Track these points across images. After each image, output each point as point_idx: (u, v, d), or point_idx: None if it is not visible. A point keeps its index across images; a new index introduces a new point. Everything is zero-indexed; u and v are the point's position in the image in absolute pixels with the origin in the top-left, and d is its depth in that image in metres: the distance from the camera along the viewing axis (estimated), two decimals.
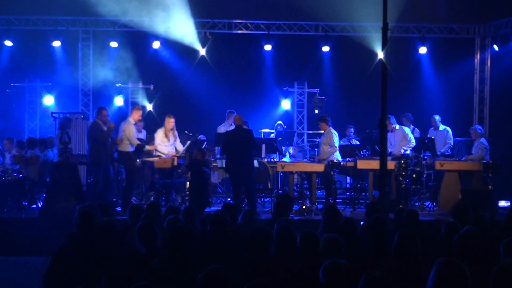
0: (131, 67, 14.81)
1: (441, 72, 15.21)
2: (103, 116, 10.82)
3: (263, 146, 11.81)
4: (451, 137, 12.25)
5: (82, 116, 13.45)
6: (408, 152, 11.31)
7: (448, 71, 15.12)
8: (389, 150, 11.45)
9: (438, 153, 11.78)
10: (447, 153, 12.11)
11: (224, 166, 11.09)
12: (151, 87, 14.69)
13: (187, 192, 11.05)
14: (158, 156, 11.39)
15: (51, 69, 14.84)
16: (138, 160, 11.07)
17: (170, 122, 11.52)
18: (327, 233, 5.19)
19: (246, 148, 10.45)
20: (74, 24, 14.51)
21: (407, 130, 11.66)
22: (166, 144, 11.49)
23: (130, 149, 11.03)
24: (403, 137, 11.48)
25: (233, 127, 11.65)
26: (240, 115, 10.84)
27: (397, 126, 11.66)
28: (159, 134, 11.50)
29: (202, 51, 14.67)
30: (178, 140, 11.76)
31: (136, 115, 11.30)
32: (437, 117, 12.31)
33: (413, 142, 11.47)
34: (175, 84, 15.12)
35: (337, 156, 11.27)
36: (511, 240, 4.86)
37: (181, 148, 11.75)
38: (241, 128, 10.69)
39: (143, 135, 12.15)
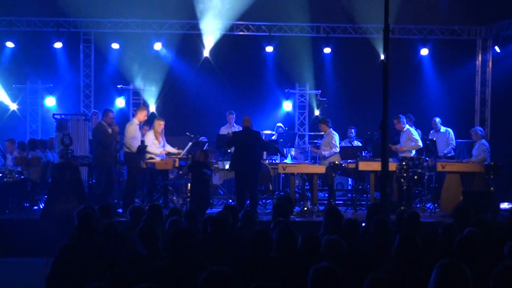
0: (132, 69, 14.84)
1: (442, 74, 15.20)
2: (109, 118, 10.74)
3: None
4: (453, 138, 12.17)
5: (83, 118, 13.44)
6: (413, 153, 11.30)
7: (449, 73, 15.12)
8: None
9: (441, 154, 11.75)
10: (449, 155, 12.06)
11: (225, 167, 11.08)
12: (153, 88, 14.69)
13: (188, 194, 11.05)
14: (151, 157, 11.26)
15: (52, 71, 14.88)
16: (142, 162, 11.02)
17: (160, 124, 11.35)
18: (328, 235, 5.19)
19: (254, 149, 10.44)
20: (76, 26, 14.52)
21: (413, 131, 11.57)
22: (157, 146, 11.38)
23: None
24: (408, 138, 11.45)
25: (234, 128, 11.64)
26: (249, 117, 10.78)
27: (407, 127, 11.61)
28: (149, 137, 11.33)
29: (204, 53, 14.68)
30: (166, 143, 11.62)
31: (141, 116, 11.09)
32: (437, 119, 12.21)
33: (419, 145, 11.37)
34: (176, 85, 15.11)
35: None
36: None
37: (172, 150, 11.69)
38: (250, 130, 10.66)
39: None
